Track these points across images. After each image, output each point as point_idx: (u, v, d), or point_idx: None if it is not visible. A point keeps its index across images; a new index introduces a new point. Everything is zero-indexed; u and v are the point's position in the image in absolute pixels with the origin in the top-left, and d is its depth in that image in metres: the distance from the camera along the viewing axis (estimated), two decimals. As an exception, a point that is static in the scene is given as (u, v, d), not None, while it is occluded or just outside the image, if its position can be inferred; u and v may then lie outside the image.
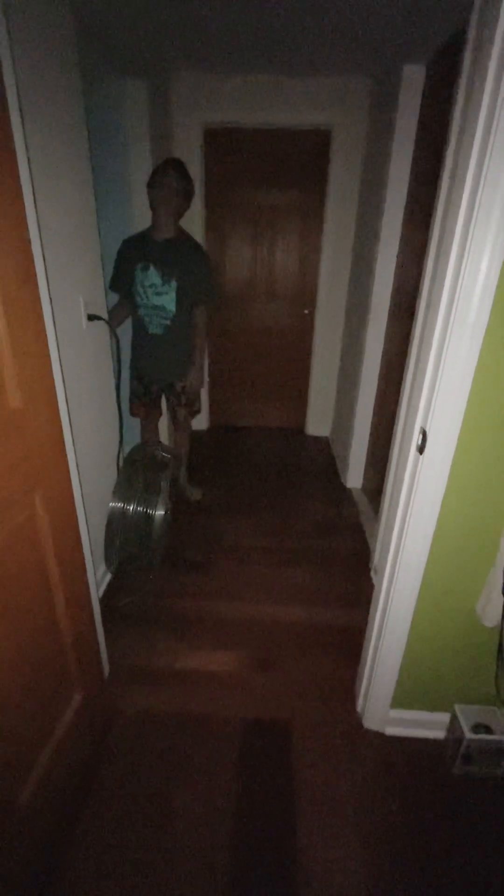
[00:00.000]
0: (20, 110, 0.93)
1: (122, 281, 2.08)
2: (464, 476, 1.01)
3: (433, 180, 1.55)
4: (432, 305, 0.96)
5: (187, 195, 1.98)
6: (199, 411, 2.44)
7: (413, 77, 1.86)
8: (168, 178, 1.89)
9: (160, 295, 2.01)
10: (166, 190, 1.90)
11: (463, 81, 1.17)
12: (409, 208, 2.02)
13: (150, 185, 1.93)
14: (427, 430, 0.97)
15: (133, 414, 2.32)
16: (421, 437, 1.00)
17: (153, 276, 1.99)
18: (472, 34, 1.02)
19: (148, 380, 2.22)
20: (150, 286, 2.00)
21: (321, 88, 2.53)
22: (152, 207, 1.97)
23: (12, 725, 0.93)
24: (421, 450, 1.00)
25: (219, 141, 2.74)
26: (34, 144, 1.21)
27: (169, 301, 2.02)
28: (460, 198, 0.85)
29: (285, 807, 1.18)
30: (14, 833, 0.95)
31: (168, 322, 2.06)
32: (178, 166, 1.93)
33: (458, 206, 0.85)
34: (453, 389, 0.92)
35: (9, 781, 0.94)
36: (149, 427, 2.42)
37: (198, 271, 2.02)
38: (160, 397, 2.31)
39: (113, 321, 1.93)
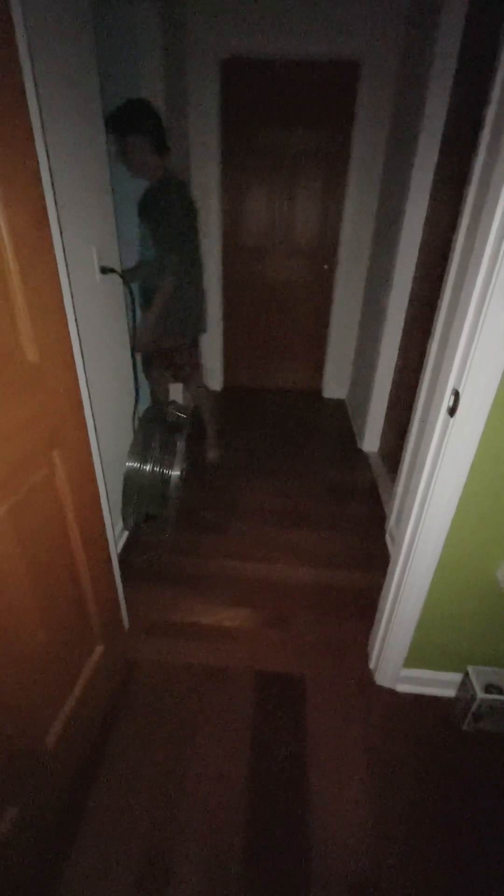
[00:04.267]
0: (28, 43, 0.85)
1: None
2: (495, 440, 0.96)
3: (477, 110, 1.41)
4: (473, 254, 0.89)
5: (140, 147, 1.74)
6: (194, 380, 2.24)
7: (456, -4, 1.66)
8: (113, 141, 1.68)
9: (147, 251, 1.89)
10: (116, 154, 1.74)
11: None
12: (443, 151, 1.86)
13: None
14: (461, 391, 0.92)
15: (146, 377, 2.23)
16: (453, 398, 0.95)
17: (142, 229, 1.88)
18: None
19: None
20: (141, 241, 1.91)
21: (350, 13, 2.28)
22: None
23: (38, 674, 0.96)
24: (452, 412, 0.95)
25: (237, 75, 2.53)
26: (43, 81, 1.12)
27: (152, 256, 1.87)
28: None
29: (298, 753, 1.23)
30: (42, 774, 1.01)
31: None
32: (115, 122, 1.68)
33: (512, 140, 0.76)
34: (491, 350, 0.87)
35: (37, 726, 0.98)
36: (159, 389, 2.33)
37: (163, 217, 1.81)
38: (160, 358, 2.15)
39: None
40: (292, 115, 2.62)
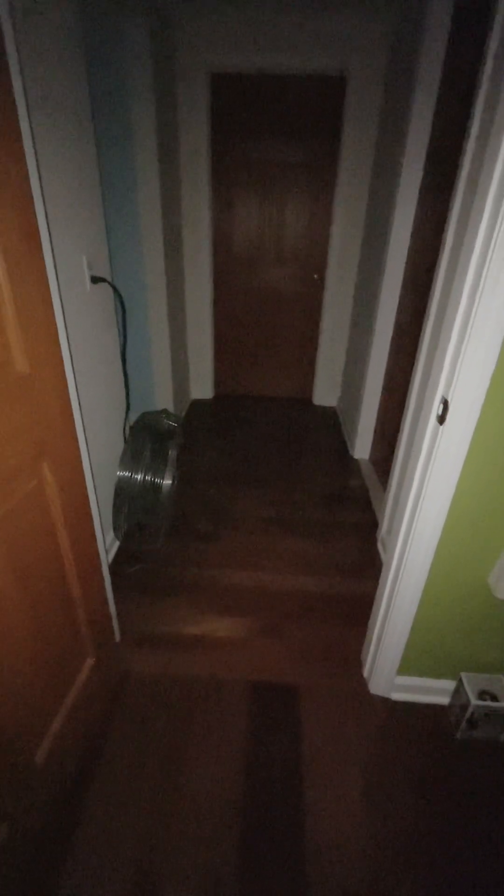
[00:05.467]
0: (18, 55, 0.85)
1: None
2: (485, 447, 0.97)
3: (461, 124, 1.44)
4: (459, 264, 0.90)
5: None
6: None
7: (439, 12, 1.70)
8: None
9: None
10: None
11: (501, 10, 1.07)
12: (429, 162, 1.90)
13: None
14: (449, 399, 0.93)
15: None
16: (442, 406, 0.96)
17: None
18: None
19: None
20: None
21: (336, 29, 2.34)
22: None
23: (28, 689, 0.94)
24: (441, 420, 0.96)
25: (226, 89, 2.57)
26: (34, 93, 1.13)
27: None
28: (498, 145, 0.78)
29: (293, 764, 1.22)
30: (32, 791, 0.99)
31: None
32: None
33: (496, 155, 0.78)
34: (479, 358, 0.88)
35: (26, 743, 0.96)
36: None
37: None
38: None
39: None
40: (281, 128, 2.66)
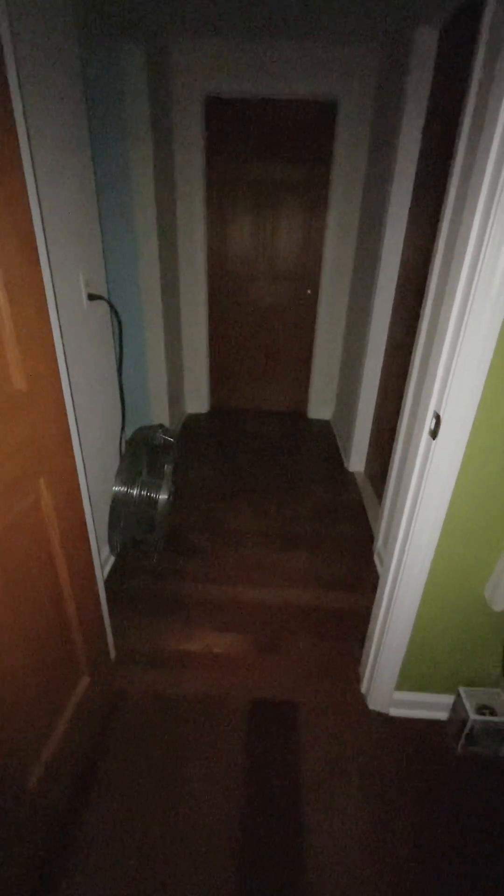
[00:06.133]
0: (18, 78, 0.88)
1: None
2: (477, 462, 0.99)
3: (446, 153, 1.49)
4: (448, 286, 0.93)
5: None
6: None
7: (425, 41, 1.77)
8: None
9: None
10: None
11: (482, 45, 1.12)
12: (418, 183, 1.95)
13: None
14: (441, 414, 0.95)
15: None
16: (434, 421, 0.98)
17: None
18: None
19: None
20: None
21: (328, 56, 2.42)
22: None
23: (21, 710, 0.93)
24: (434, 434, 0.98)
25: (221, 112, 2.64)
26: (32, 114, 1.15)
27: None
28: (483, 169, 0.81)
29: (292, 783, 1.20)
30: (24, 818, 0.96)
31: None
32: None
33: (482, 177, 0.81)
34: (470, 373, 0.90)
35: (18, 767, 0.94)
36: None
37: None
38: None
39: None
40: (275, 150, 2.73)
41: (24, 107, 0.90)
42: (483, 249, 0.81)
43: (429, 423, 1.00)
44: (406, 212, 2.04)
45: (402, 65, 1.91)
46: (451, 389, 0.92)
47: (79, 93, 1.41)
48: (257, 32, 2.26)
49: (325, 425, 3.35)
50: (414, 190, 1.98)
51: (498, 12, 1.09)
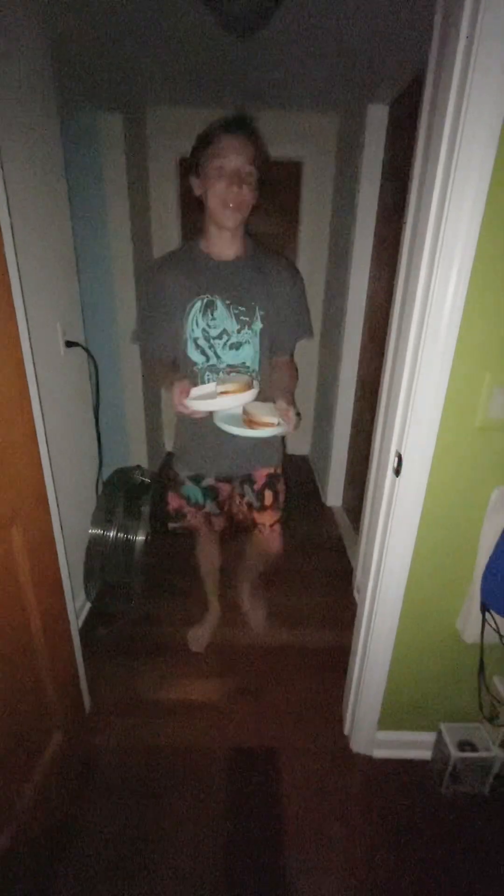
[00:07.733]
0: None
1: (158, 328, 1.26)
2: (439, 497, 1.04)
3: (400, 212, 1.63)
4: (402, 333, 1.00)
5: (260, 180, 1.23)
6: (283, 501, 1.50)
7: (377, 116, 1.97)
8: (242, 148, 1.16)
9: (236, 349, 1.24)
10: (242, 172, 1.16)
11: (423, 121, 1.26)
12: (377, 238, 2.11)
13: (199, 160, 1.20)
14: (402, 453, 1.00)
15: (185, 527, 1.55)
16: (397, 460, 1.03)
17: (223, 318, 1.21)
18: (429, 78, 1.11)
19: (216, 477, 1.43)
20: (219, 336, 1.22)
21: (292, 123, 2.64)
22: (208, 205, 1.19)
23: (-11, 771, 0.89)
24: (397, 472, 1.03)
25: (193, 170, 2.82)
26: (10, 172, 1.22)
27: (250, 354, 1.26)
28: (425, 231, 0.90)
29: (275, 832, 1.16)
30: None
31: None
32: (247, 125, 1.21)
33: (424, 240, 0.90)
34: (426, 415, 0.96)
35: (-15, 832, 0.89)
36: (208, 548, 1.71)
37: (293, 302, 1.33)
38: (232, 499, 1.52)
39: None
40: (245, 204, 2.91)
41: (1, 164, 0.96)
42: (430, 295, 0.89)
43: (392, 461, 1.05)
44: (368, 263, 2.19)
45: (358, 135, 2.11)
46: (409, 430, 0.98)
47: (58, 155, 1.51)
48: (227, 104, 2.46)
49: (303, 460, 3.40)
50: (374, 241, 2.14)
51: (435, 92, 1.24)
